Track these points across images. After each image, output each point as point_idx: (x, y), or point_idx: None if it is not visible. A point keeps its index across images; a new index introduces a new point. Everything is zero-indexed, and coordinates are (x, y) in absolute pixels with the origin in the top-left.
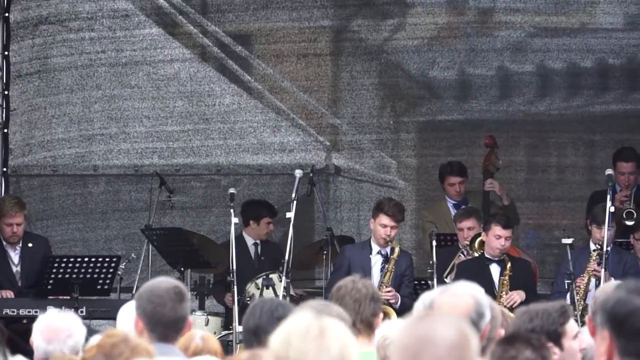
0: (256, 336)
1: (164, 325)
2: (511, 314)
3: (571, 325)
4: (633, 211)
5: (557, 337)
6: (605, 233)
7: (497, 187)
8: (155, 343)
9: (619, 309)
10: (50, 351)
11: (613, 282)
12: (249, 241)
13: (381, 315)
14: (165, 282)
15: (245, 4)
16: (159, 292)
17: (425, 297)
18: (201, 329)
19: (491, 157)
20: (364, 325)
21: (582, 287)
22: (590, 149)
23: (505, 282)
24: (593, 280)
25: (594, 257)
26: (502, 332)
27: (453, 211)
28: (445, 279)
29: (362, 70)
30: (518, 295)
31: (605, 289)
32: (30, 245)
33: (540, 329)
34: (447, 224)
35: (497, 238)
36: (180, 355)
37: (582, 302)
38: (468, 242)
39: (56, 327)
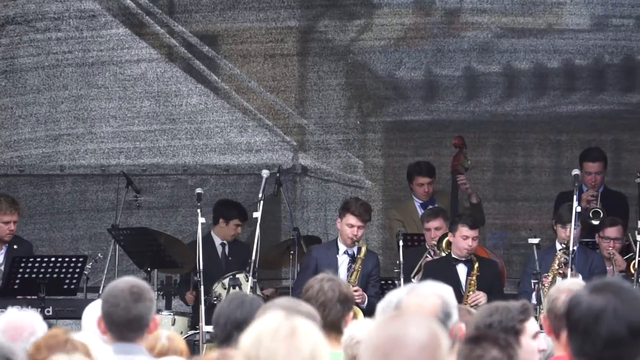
0: (227, 330)
1: (118, 325)
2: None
3: (531, 324)
4: (600, 211)
5: (515, 334)
6: (571, 232)
7: (469, 184)
8: (115, 342)
9: (568, 305)
10: (14, 349)
11: (568, 281)
12: (217, 241)
13: (351, 314)
14: (124, 282)
15: (212, 4)
16: (114, 292)
17: (391, 297)
18: (167, 329)
19: (460, 157)
20: (330, 327)
21: (547, 285)
22: (557, 150)
23: (472, 282)
24: (559, 279)
25: (559, 256)
26: (462, 327)
27: (420, 211)
28: (412, 279)
29: (329, 71)
30: (484, 296)
31: (559, 286)
32: (15, 247)
33: (498, 324)
34: (414, 224)
35: (464, 238)
36: (145, 355)
37: (542, 301)
38: (435, 242)
39: (18, 325)
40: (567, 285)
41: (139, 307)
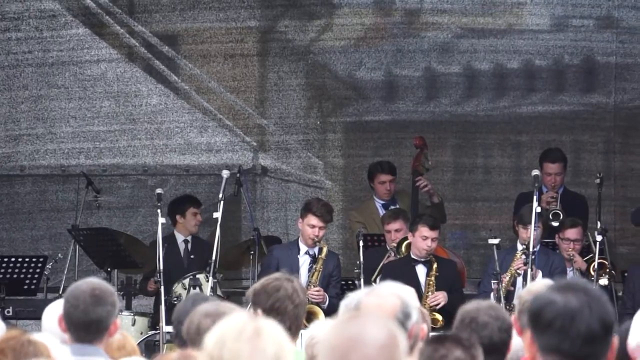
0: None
1: (77, 326)
2: (436, 314)
3: None
4: (559, 212)
5: None
6: (531, 233)
7: (429, 184)
8: (73, 343)
9: (535, 304)
10: None
11: (540, 281)
12: (179, 238)
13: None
14: (87, 283)
15: (172, 4)
16: (76, 293)
17: (351, 298)
18: (128, 330)
19: (420, 158)
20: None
21: (504, 285)
22: (517, 150)
23: (431, 282)
24: (520, 280)
25: (518, 256)
26: (424, 328)
27: (382, 211)
28: (373, 282)
29: (289, 71)
30: (443, 296)
31: (530, 288)
32: None
33: None
34: (375, 224)
35: (423, 239)
36: (103, 356)
37: (503, 301)
38: (395, 244)
39: None
40: (539, 287)
41: (98, 310)
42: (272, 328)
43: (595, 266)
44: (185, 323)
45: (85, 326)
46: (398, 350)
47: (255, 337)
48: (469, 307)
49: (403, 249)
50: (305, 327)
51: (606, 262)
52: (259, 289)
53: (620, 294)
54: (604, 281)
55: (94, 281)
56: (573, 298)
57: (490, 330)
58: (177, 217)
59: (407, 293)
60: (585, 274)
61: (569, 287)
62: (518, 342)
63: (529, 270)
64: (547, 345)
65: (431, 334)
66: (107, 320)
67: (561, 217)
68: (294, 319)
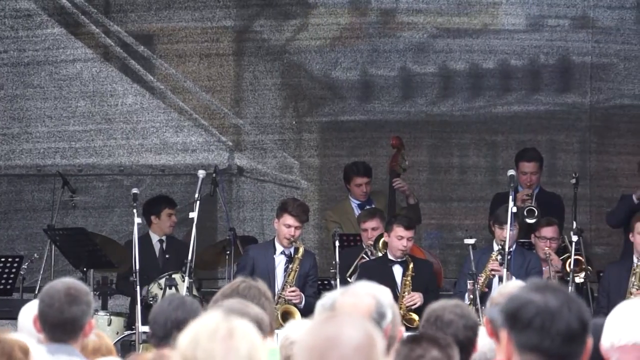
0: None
1: (51, 325)
2: (412, 314)
3: None
4: (534, 209)
5: None
6: (507, 233)
7: (406, 185)
8: (48, 343)
9: (512, 304)
10: None
11: (512, 282)
12: (154, 238)
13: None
14: (62, 283)
15: (147, 4)
16: (50, 292)
17: (327, 298)
18: (104, 330)
19: (398, 158)
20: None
21: (480, 286)
22: (493, 150)
23: (407, 282)
24: (496, 280)
25: (494, 257)
26: (402, 330)
27: (357, 211)
28: (349, 279)
29: (265, 71)
30: (419, 297)
31: (501, 290)
32: None
33: None
34: (351, 224)
35: (399, 239)
36: (77, 356)
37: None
38: (372, 243)
39: None
40: (510, 289)
41: (73, 309)
42: (246, 328)
43: (572, 264)
44: None
45: (61, 325)
46: (375, 350)
47: (228, 337)
48: (436, 305)
49: (380, 245)
50: (282, 327)
51: (582, 259)
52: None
53: (596, 294)
54: (579, 279)
55: (69, 281)
56: (552, 297)
57: (454, 328)
58: (152, 217)
59: (382, 293)
60: (561, 272)
61: (547, 287)
62: (487, 343)
63: (504, 270)
64: (526, 344)
65: (408, 333)
66: (82, 319)
67: (536, 214)
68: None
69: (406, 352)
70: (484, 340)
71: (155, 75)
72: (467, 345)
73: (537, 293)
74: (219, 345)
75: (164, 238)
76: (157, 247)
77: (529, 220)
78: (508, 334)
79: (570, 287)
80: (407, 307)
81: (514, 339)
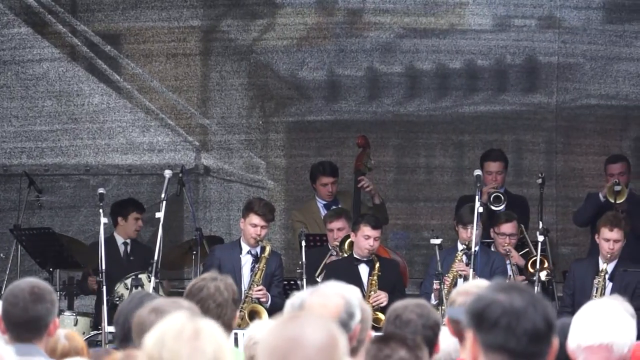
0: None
1: (17, 325)
2: (378, 314)
3: None
4: (501, 195)
5: None
6: (473, 233)
7: (371, 184)
8: (13, 343)
9: (477, 304)
10: None
11: (468, 283)
12: (119, 240)
13: (238, 312)
14: (26, 282)
15: (114, 3)
16: (15, 292)
17: (295, 298)
18: (70, 329)
19: (363, 157)
20: (226, 328)
21: (447, 286)
22: (459, 150)
23: (373, 282)
24: (461, 280)
25: (459, 257)
26: (371, 334)
27: (323, 211)
28: (317, 279)
29: (232, 71)
30: (384, 296)
31: (459, 289)
32: None
33: None
34: (317, 225)
35: (365, 238)
36: (43, 356)
37: (444, 302)
38: (338, 243)
39: None
40: (467, 288)
41: (38, 308)
42: (212, 328)
43: (537, 265)
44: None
45: (25, 324)
46: (338, 351)
47: (194, 337)
48: (397, 304)
49: (346, 247)
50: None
51: (546, 259)
52: (186, 291)
53: (560, 294)
54: (544, 275)
55: (32, 280)
56: (517, 297)
57: (413, 327)
58: (119, 219)
59: (352, 292)
60: (523, 269)
61: (512, 287)
62: (452, 343)
63: (470, 270)
64: (492, 344)
65: (377, 333)
66: (47, 318)
67: (502, 200)
68: (217, 318)
69: (374, 351)
70: (448, 340)
71: (122, 75)
72: (427, 344)
73: (503, 293)
74: (185, 346)
75: (128, 241)
76: (121, 249)
77: (494, 207)
78: (474, 334)
79: (536, 287)
80: (373, 306)
81: (480, 339)
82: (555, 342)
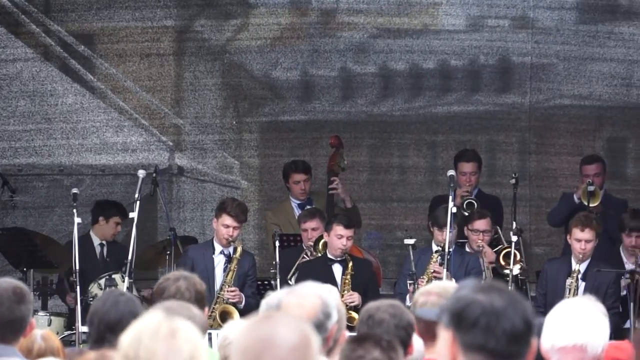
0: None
1: (1, 326)
2: (352, 313)
3: None
4: (473, 201)
5: None
6: (447, 235)
7: (340, 188)
8: None
9: (457, 304)
10: None
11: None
12: (96, 241)
13: (206, 311)
14: (7, 282)
15: (88, 3)
16: None
17: (272, 298)
18: (44, 329)
19: (336, 158)
20: None
21: (420, 286)
22: (432, 150)
23: (347, 281)
24: (435, 282)
25: (434, 259)
26: (346, 334)
27: (297, 211)
28: (289, 281)
29: (205, 71)
30: (358, 296)
31: (422, 291)
32: None
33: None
34: (291, 225)
35: (338, 237)
36: (18, 357)
37: None
38: (312, 243)
39: None
40: (429, 289)
41: (21, 308)
42: (187, 328)
43: (511, 264)
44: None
45: (9, 325)
46: (310, 351)
47: (170, 336)
48: (371, 305)
49: (320, 247)
50: (220, 327)
51: (518, 253)
52: (153, 291)
53: (533, 293)
54: (516, 270)
55: (11, 280)
56: (497, 297)
57: (386, 328)
58: (100, 219)
59: (329, 293)
60: (496, 264)
61: (492, 288)
62: (420, 344)
63: (444, 271)
64: (471, 343)
65: (352, 333)
66: (27, 319)
67: (475, 207)
68: None
69: (348, 351)
70: (422, 341)
71: (96, 75)
72: (401, 345)
73: (483, 293)
74: (161, 345)
75: (104, 242)
76: (97, 250)
77: (466, 213)
78: (453, 333)
79: (511, 285)
80: (346, 305)
81: (459, 338)
82: (535, 342)
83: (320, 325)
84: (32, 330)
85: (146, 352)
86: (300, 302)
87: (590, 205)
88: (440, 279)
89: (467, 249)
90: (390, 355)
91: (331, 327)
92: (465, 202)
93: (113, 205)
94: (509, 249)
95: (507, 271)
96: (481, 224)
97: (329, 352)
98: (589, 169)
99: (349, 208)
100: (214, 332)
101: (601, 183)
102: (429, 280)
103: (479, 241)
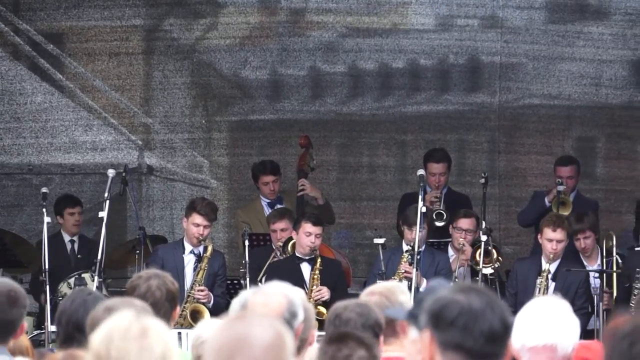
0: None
1: None
2: (321, 308)
3: None
4: (443, 212)
5: None
6: (417, 234)
7: (308, 188)
8: None
9: (436, 304)
10: None
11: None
12: (66, 238)
13: (177, 310)
14: (2, 284)
15: (57, 2)
16: None
17: (240, 297)
18: None
19: (306, 157)
20: None
21: None
22: (402, 149)
23: (315, 277)
24: (406, 281)
25: (405, 258)
26: (314, 334)
27: (267, 210)
28: (259, 282)
29: (174, 70)
30: (327, 291)
31: (366, 291)
32: None
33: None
34: (261, 224)
35: (307, 235)
36: (9, 357)
37: None
38: (281, 244)
39: None
40: (373, 289)
41: (14, 311)
42: (159, 327)
43: (481, 264)
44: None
45: (1, 326)
46: (285, 350)
47: (142, 336)
48: (338, 304)
49: (289, 248)
50: (191, 326)
51: (494, 250)
52: (125, 289)
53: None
54: (488, 270)
55: (8, 283)
56: (475, 298)
57: (352, 327)
58: (58, 218)
59: (295, 292)
60: (471, 262)
61: (471, 288)
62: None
63: (414, 271)
64: (449, 343)
65: (320, 332)
66: (19, 322)
67: (445, 217)
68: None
69: (332, 351)
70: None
71: (65, 74)
72: None
73: (462, 293)
74: (133, 344)
75: (75, 238)
76: (68, 247)
77: (437, 224)
78: (431, 333)
79: (479, 280)
80: (315, 301)
81: (437, 338)
82: (511, 343)
83: (286, 325)
84: (22, 333)
85: (117, 351)
86: (266, 301)
87: (561, 213)
88: (410, 279)
89: (450, 248)
90: (373, 353)
91: (297, 327)
92: (435, 213)
93: (61, 199)
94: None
95: (485, 270)
96: (465, 222)
97: (297, 351)
98: (562, 171)
99: (321, 205)
100: (183, 331)
101: (574, 185)
102: (399, 280)
103: (461, 239)
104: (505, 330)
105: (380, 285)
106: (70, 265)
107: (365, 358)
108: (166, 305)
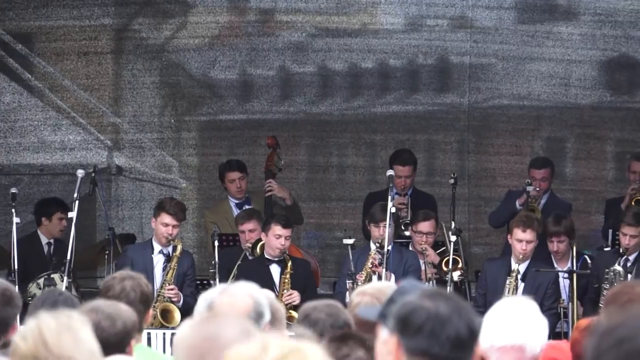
0: None
1: None
2: (292, 312)
3: None
4: (409, 223)
5: None
6: (385, 232)
7: (276, 189)
8: None
9: (403, 309)
10: None
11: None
12: (44, 240)
13: (150, 312)
14: None
15: (25, 2)
16: None
17: (205, 298)
18: None
19: (273, 158)
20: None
21: (360, 284)
22: (371, 149)
23: (286, 280)
24: (375, 279)
25: (372, 254)
26: (286, 334)
27: (236, 211)
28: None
29: (144, 69)
30: (297, 295)
31: (357, 291)
32: None
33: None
34: (229, 224)
35: (277, 237)
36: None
37: None
38: (250, 245)
39: None
40: (364, 289)
41: (7, 310)
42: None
43: (450, 264)
44: None
45: None
46: None
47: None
48: (307, 305)
49: (258, 250)
50: (162, 325)
51: (459, 259)
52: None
53: (473, 293)
54: (456, 276)
55: (2, 283)
56: (443, 304)
57: (321, 327)
58: (43, 219)
59: (261, 293)
60: (438, 267)
61: (438, 294)
62: None
63: (383, 269)
64: (415, 349)
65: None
66: (12, 320)
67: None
68: None
69: (332, 350)
70: None
71: (34, 74)
72: None
73: (429, 299)
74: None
75: (52, 241)
76: (45, 249)
77: (405, 233)
78: (398, 339)
79: (449, 287)
80: (286, 305)
81: (403, 343)
82: (478, 350)
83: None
84: (14, 333)
85: (56, 348)
86: (232, 301)
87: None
88: (379, 274)
89: (411, 249)
90: (372, 355)
91: (263, 327)
92: (403, 224)
93: (52, 202)
94: (454, 256)
95: (447, 277)
96: (425, 226)
97: None
98: (536, 173)
99: (289, 205)
100: (153, 331)
101: (547, 187)
102: (367, 276)
103: (422, 243)
104: (472, 336)
105: (371, 286)
106: (46, 267)
107: (364, 359)
108: (140, 307)
